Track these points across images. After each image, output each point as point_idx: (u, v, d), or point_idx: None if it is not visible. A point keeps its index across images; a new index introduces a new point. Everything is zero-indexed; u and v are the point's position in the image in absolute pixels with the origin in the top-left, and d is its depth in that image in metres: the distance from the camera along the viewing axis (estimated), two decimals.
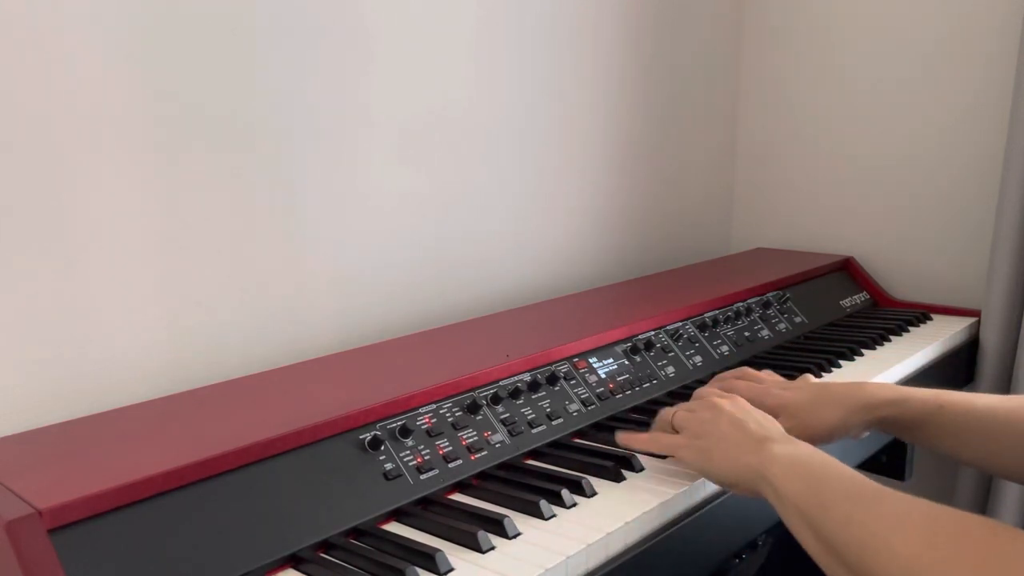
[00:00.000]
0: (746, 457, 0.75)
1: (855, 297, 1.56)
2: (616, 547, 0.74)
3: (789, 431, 0.85)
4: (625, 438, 0.90)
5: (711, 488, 0.85)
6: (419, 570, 0.66)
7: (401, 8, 1.17)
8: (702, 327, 1.22)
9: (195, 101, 0.98)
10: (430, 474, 0.81)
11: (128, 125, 0.93)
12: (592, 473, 0.84)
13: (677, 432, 0.85)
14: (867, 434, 0.93)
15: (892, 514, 0.60)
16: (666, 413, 0.89)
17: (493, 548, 0.71)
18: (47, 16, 0.85)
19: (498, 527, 0.73)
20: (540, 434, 0.92)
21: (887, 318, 1.45)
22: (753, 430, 0.77)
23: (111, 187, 0.92)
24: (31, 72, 0.85)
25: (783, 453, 0.72)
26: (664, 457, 0.88)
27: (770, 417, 0.82)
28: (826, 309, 1.46)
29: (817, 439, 0.87)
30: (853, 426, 0.89)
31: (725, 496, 0.85)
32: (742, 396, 0.91)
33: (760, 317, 1.33)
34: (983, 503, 1.46)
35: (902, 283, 1.63)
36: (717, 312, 1.26)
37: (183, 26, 0.96)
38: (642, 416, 1.02)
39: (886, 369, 1.19)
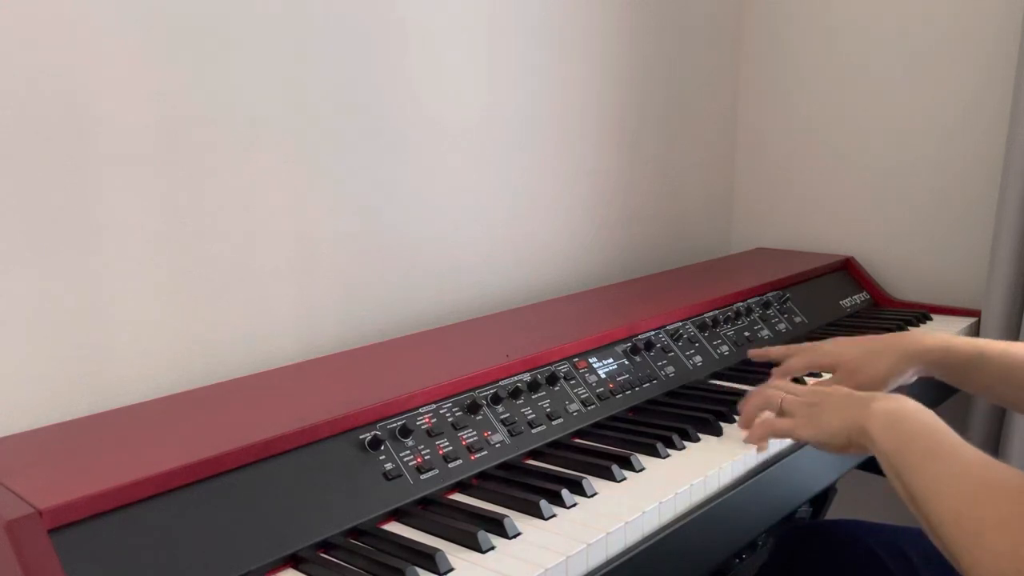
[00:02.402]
0: (852, 413, 0.78)
1: (855, 297, 1.56)
2: (616, 547, 0.74)
3: (846, 385, 0.94)
4: (747, 436, 0.92)
5: (711, 488, 0.85)
6: (419, 570, 0.66)
7: (401, 9, 1.17)
8: (702, 327, 1.22)
9: (198, 102, 0.98)
10: (430, 474, 0.81)
11: (133, 127, 0.93)
12: (592, 473, 0.84)
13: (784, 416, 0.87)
14: (915, 378, 1.00)
15: (948, 473, 0.65)
16: (773, 396, 0.90)
17: (493, 548, 0.71)
18: (63, 17, 0.86)
19: (498, 527, 0.73)
20: (540, 434, 0.92)
21: (887, 318, 1.45)
22: (861, 394, 0.81)
23: (114, 188, 0.92)
24: (42, 74, 0.85)
25: (883, 408, 0.75)
26: (664, 457, 0.89)
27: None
28: (826, 309, 1.46)
29: (874, 388, 0.96)
30: (903, 372, 0.98)
31: (725, 496, 0.85)
32: (797, 365, 1.04)
33: (760, 317, 1.33)
34: None
35: (902, 283, 1.63)
36: (717, 312, 1.26)
37: (193, 31, 0.96)
38: (642, 416, 1.02)
39: None
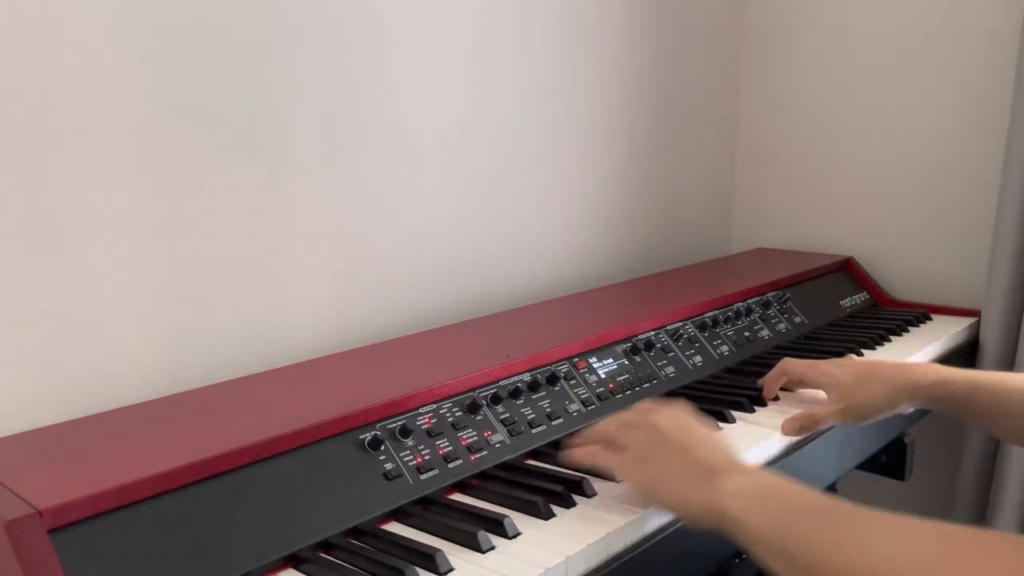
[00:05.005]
0: (698, 492, 0.70)
1: (855, 297, 1.56)
2: (616, 547, 0.74)
3: (840, 411, 0.95)
4: (567, 455, 0.84)
5: None
6: (419, 570, 0.66)
7: (403, 8, 1.17)
8: (702, 327, 1.22)
9: (195, 102, 0.98)
10: (430, 474, 0.81)
11: (130, 124, 0.93)
12: (592, 473, 0.84)
13: (619, 448, 0.79)
14: (912, 409, 0.99)
15: (895, 534, 0.56)
16: (604, 427, 0.83)
17: (493, 548, 0.71)
18: (52, 16, 0.86)
19: (498, 527, 0.73)
20: (540, 434, 0.92)
21: (887, 318, 1.45)
22: (702, 458, 0.72)
23: (111, 186, 0.92)
24: (32, 72, 0.85)
25: (739, 486, 0.67)
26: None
27: (713, 432, 0.78)
28: (826, 309, 1.46)
29: (865, 415, 0.96)
30: (899, 403, 0.97)
31: None
32: (797, 372, 1.03)
33: (760, 317, 1.33)
34: (982, 505, 1.46)
35: (902, 283, 1.63)
36: (717, 312, 1.26)
37: (187, 35, 0.96)
38: None
39: None
